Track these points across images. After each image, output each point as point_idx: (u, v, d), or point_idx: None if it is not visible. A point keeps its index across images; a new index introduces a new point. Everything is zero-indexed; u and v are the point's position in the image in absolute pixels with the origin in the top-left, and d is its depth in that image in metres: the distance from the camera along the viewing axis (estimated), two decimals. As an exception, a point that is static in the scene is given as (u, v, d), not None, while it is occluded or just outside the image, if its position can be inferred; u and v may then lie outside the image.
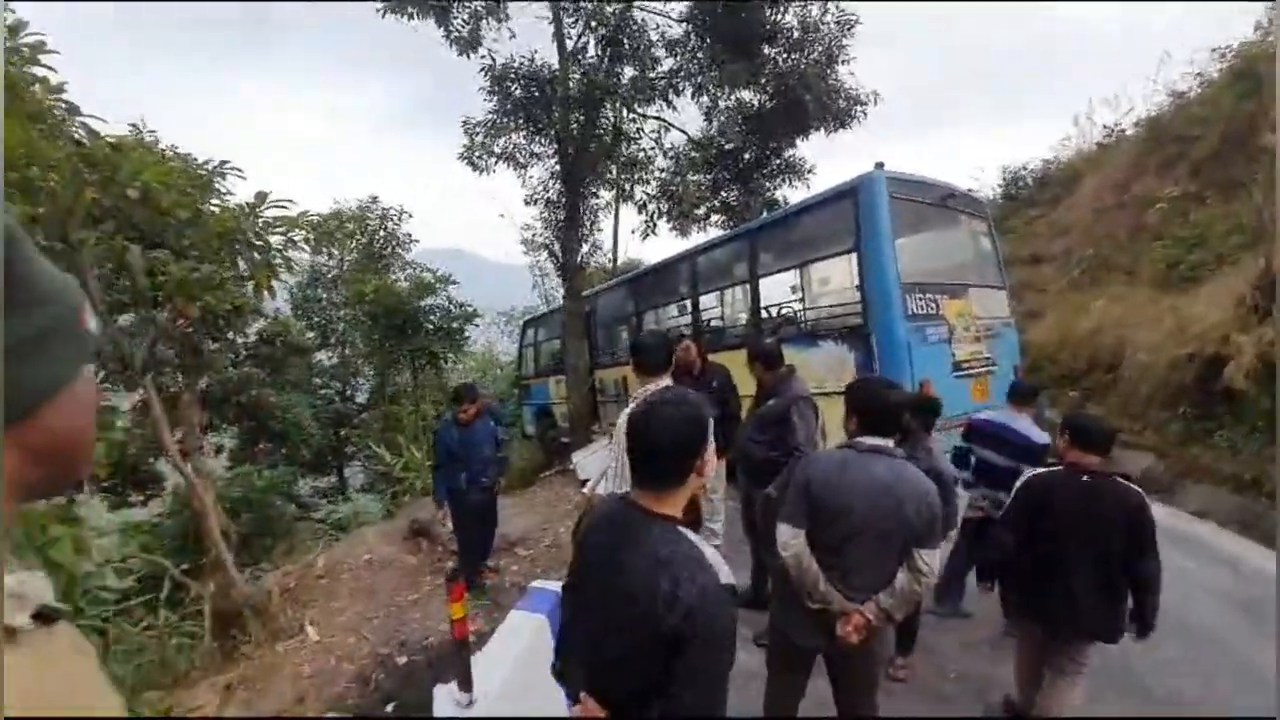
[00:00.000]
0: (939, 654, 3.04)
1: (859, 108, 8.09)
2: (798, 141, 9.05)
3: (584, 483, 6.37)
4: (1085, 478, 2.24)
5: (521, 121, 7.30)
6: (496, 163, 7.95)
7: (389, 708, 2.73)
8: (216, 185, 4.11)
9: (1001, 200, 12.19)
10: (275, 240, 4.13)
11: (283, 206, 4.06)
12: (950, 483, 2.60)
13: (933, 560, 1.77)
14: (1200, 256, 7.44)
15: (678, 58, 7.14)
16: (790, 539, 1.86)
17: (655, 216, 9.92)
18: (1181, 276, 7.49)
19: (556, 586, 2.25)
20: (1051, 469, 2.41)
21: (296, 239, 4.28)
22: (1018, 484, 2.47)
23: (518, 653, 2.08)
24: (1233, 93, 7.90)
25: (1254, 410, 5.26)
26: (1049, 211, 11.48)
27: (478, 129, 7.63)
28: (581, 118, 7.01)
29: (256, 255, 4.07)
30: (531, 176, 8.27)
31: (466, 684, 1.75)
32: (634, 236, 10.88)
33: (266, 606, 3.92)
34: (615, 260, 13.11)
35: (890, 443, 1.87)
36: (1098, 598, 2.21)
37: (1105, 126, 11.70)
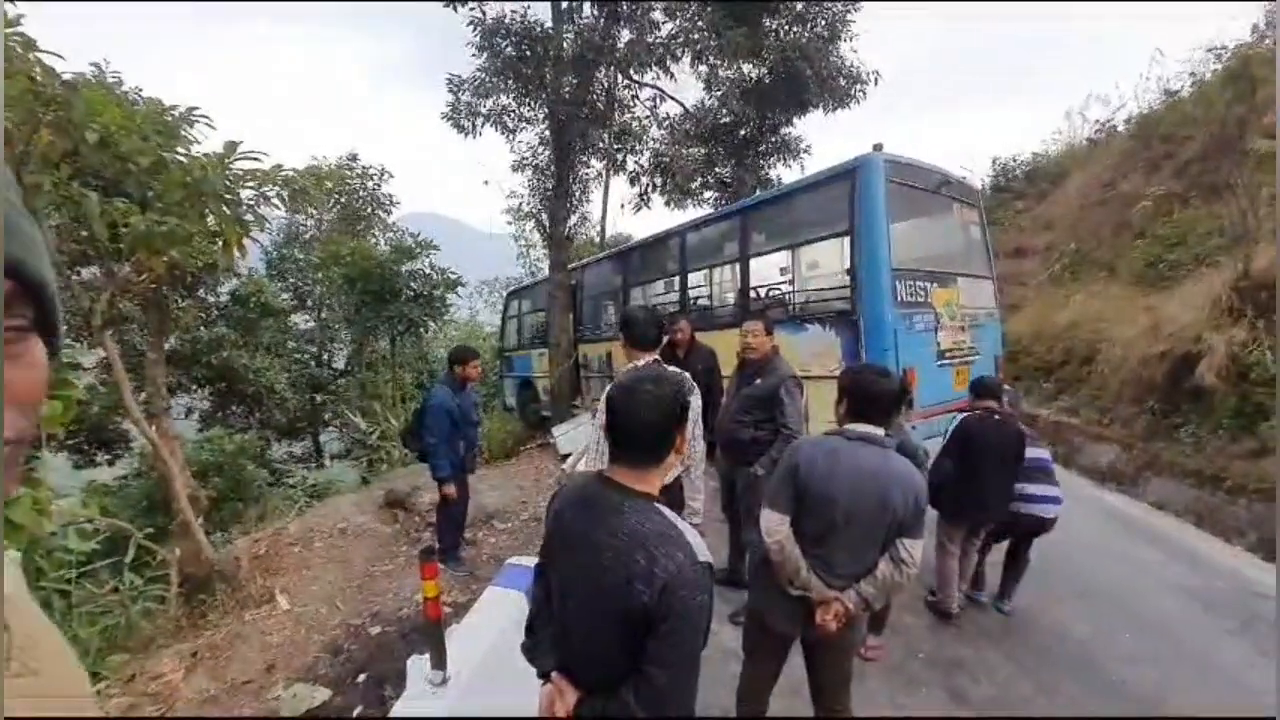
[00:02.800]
0: (909, 635, 3.11)
1: (859, 87, 7.94)
2: (795, 120, 8.89)
3: (564, 457, 6.33)
4: (996, 417, 3.23)
5: (511, 82, 7.00)
6: (483, 124, 7.63)
7: (360, 678, 2.70)
8: (184, 133, 3.85)
9: (991, 191, 12.24)
10: (246, 195, 3.92)
11: (255, 159, 3.83)
12: (922, 458, 2.83)
13: (915, 550, 1.77)
14: (1179, 256, 7.57)
15: (677, 22, 6.87)
16: (775, 525, 1.83)
17: (649, 190, 9.71)
18: (1160, 275, 7.61)
19: (533, 562, 2.23)
20: (976, 413, 3.33)
21: (270, 195, 4.07)
22: (953, 425, 3.34)
23: (493, 630, 2.05)
24: (1225, 94, 7.93)
25: (1222, 407, 5.42)
26: (1035, 205, 11.56)
27: (464, 87, 7.29)
28: (574, 81, 6.74)
29: (226, 210, 3.86)
30: (520, 141, 7.98)
31: (440, 662, 1.72)
32: (624, 210, 10.57)
33: (235, 573, 3.84)
34: (603, 233, 12.87)
35: (880, 431, 1.84)
36: (1003, 496, 3.21)
37: (1097, 122, 11.74)
